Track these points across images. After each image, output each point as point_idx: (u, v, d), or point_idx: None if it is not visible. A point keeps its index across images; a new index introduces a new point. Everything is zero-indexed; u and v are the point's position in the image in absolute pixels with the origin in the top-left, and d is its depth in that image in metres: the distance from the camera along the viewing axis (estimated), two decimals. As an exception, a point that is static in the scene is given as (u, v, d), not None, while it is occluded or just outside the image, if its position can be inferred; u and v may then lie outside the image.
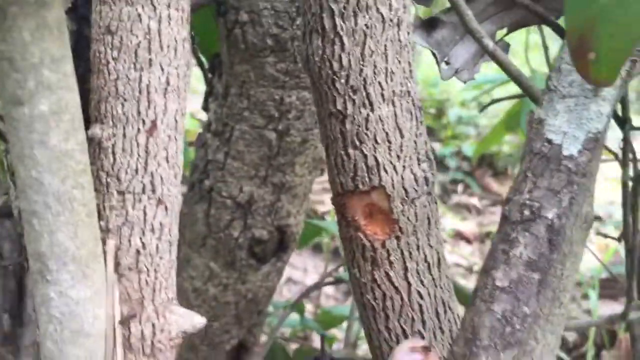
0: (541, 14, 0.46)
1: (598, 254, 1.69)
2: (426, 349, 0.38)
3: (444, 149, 2.58)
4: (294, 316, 1.10)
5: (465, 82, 0.46)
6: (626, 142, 0.61)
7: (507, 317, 0.35)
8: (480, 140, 2.18)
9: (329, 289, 1.77)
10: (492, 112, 2.57)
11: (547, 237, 0.35)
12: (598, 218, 0.53)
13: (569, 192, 0.35)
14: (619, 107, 0.60)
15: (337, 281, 0.90)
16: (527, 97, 0.50)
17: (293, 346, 1.08)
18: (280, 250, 0.68)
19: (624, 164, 0.61)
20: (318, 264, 1.80)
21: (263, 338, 0.82)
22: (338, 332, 1.23)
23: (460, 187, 2.51)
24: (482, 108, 0.78)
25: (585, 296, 1.76)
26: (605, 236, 0.79)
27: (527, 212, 0.35)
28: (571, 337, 1.68)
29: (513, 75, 0.48)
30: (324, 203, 2.00)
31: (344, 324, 1.06)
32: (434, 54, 0.44)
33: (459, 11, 0.44)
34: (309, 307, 1.55)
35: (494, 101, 0.83)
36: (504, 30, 0.51)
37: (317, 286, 0.82)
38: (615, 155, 0.64)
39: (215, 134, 0.63)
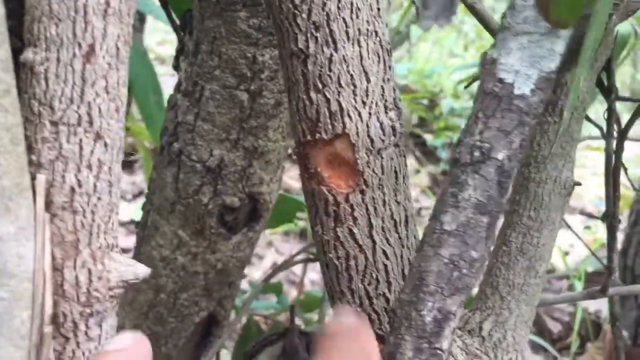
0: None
1: (584, 248, 1.68)
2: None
3: (436, 140, 2.56)
4: (274, 299, 1.07)
5: (442, 26, 0.43)
6: (610, 112, 0.59)
7: (454, 261, 0.34)
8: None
9: (314, 275, 1.75)
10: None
11: (497, 179, 0.34)
12: (578, 184, 0.51)
13: (520, 133, 0.34)
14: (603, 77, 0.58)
15: (315, 259, 0.87)
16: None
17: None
18: (252, 220, 0.65)
19: (608, 134, 0.59)
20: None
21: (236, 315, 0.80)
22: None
23: (450, 178, 2.48)
24: (469, 83, 0.75)
25: (571, 288, 1.75)
26: (590, 215, 0.77)
27: (477, 154, 0.34)
28: (556, 328, 1.67)
29: (491, 29, 0.46)
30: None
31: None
32: (413, 1, 0.42)
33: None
34: (293, 293, 1.53)
35: (477, 77, 0.80)
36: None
37: (293, 262, 0.80)
38: (600, 127, 0.62)
39: (185, 94, 0.60)
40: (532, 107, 0.34)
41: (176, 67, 0.62)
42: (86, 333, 0.31)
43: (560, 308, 1.65)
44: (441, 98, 2.71)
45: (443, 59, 3.15)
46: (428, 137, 2.56)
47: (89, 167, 0.30)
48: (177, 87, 0.62)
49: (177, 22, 0.63)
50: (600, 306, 1.63)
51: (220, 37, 0.56)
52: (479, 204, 0.34)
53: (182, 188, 0.62)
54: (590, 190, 2.18)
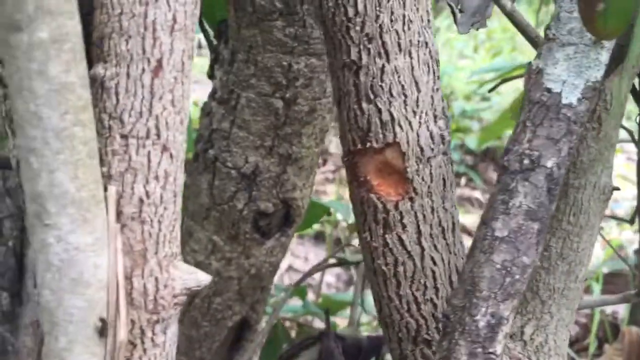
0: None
1: (601, 249, 1.67)
2: None
3: (448, 142, 2.55)
4: (296, 302, 1.08)
5: (477, 29, 0.44)
6: (644, 118, 0.60)
7: (506, 267, 0.35)
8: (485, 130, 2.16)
9: (330, 278, 1.76)
10: (497, 106, 2.54)
11: (547, 186, 0.35)
12: (617, 189, 0.52)
13: (568, 141, 0.35)
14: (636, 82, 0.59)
15: (340, 263, 0.88)
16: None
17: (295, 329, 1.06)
18: (285, 225, 0.66)
19: (639, 141, 0.60)
20: (320, 253, 1.79)
21: (265, 319, 0.81)
22: (340, 321, 1.22)
23: (463, 181, 2.49)
24: (493, 87, 0.76)
25: (588, 289, 1.74)
26: (616, 218, 0.77)
27: (526, 162, 0.35)
28: (573, 330, 1.66)
29: (529, 37, 0.46)
30: (327, 193, 1.99)
31: (346, 312, 1.04)
32: (450, 6, 0.43)
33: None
34: (310, 295, 1.54)
35: (504, 80, 0.81)
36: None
37: (320, 267, 0.80)
38: (631, 133, 0.62)
39: (220, 102, 0.61)
40: (580, 116, 0.36)
41: (211, 75, 0.63)
42: (152, 339, 0.32)
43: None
44: (452, 100, 2.71)
45: (453, 60, 3.15)
46: (440, 139, 2.55)
47: (157, 178, 0.31)
48: (212, 95, 0.63)
49: (209, 31, 0.64)
50: (617, 307, 1.62)
51: (256, 46, 0.57)
52: (529, 210, 0.35)
53: (217, 194, 0.63)
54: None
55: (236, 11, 0.58)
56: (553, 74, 0.35)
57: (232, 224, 0.63)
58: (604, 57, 0.35)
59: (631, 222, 0.66)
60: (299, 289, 1.00)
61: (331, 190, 2.03)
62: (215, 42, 0.64)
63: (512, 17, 0.46)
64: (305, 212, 0.67)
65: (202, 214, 0.64)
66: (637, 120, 0.60)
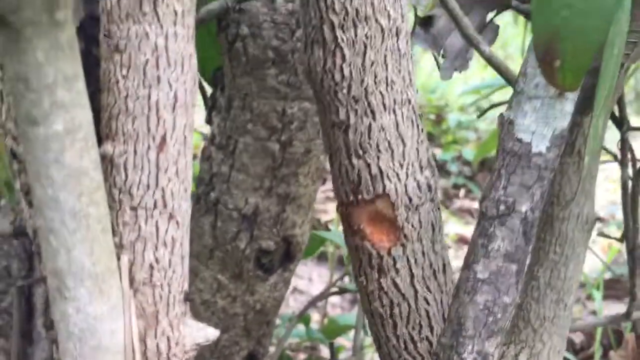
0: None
1: (601, 254, 1.69)
2: None
3: (445, 154, 2.58)
4: (301, 327, 1.10)
5: (460, 72, 0.47)
6: (624, 143, 0.62)
7: (489, 307, 0.38)
8: (480, 145, 2.19)
9: (335, 298, 1.77)
10: (492, 116, 2.57)
11: (522, 230, 0.38)
12: (599, 219, 0.54)
13: (539, 187, 0.38)
14: (616, 109, 0.61)
15: (342, 291, 0.90)
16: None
17: (301, 357, 1.08)
18: (286, 261, 0.69)
19: (622, 164, 0.62)
20: (323, 273, 1.80)
21: (271, 349, 0.83)
22: (346, 342, 1.23)
23: (462, 192, 2.51)
24: (481, 113, 0.79)
25: (590, 297, 1.76)
26: (608, 236, 0.80)
27: (502, 207, 0.38)
28: (578, 338, 1.67)
29: (508, 78, 0.49)
30: (328, 212, 2.01)
31: (351, 333, 1.06)
32: (433, 55, 0.45)
33: (455, 18, 0.45)
34: (315, 316, 1.56)
35: (492, 105, 0.84)
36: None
37: (322, 297, 0.83)
38: (614, 155, 0.65)
39: (219, 147, 0.64)
40: (549, 162, 0.38)
41: (209, 121, 0.66)
42: (167, 394, 0.34)
43: (581, 317, 1.65)
44: (447, 112, 2.73)
45: (446, 73, 3.16)
46: (437, 151, 2.59)
47: (165, 244, 0.34)
48: (211, 140, 0.65)
49: (203, 81, 0.67)
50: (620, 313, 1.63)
51: (251, 94, 0.60)
52: (507, 253, 0.38)
53: (220, 235, 0.65)
54: (603, 196, 2.19)
55: (231, 61, 0.60)
56: (523, 125, 0.37)
57: (236, 263, 0.66)
58: (568, 107, 0.38)
59: (621, 240, 0.69)
60: (303, 317, 1.02)
61: (331, 209, 2.06)
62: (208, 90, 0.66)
63: (490, 61, 0.49)
64: (305, 246, 0.69)
65: (206, 254, 0.67)
66: (619, 146, 0.63)
